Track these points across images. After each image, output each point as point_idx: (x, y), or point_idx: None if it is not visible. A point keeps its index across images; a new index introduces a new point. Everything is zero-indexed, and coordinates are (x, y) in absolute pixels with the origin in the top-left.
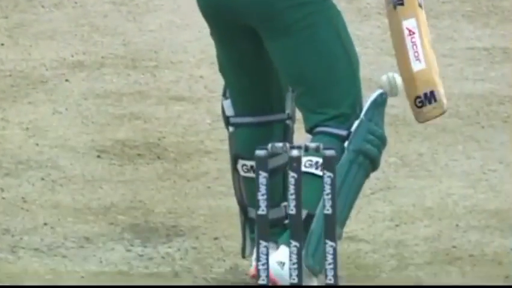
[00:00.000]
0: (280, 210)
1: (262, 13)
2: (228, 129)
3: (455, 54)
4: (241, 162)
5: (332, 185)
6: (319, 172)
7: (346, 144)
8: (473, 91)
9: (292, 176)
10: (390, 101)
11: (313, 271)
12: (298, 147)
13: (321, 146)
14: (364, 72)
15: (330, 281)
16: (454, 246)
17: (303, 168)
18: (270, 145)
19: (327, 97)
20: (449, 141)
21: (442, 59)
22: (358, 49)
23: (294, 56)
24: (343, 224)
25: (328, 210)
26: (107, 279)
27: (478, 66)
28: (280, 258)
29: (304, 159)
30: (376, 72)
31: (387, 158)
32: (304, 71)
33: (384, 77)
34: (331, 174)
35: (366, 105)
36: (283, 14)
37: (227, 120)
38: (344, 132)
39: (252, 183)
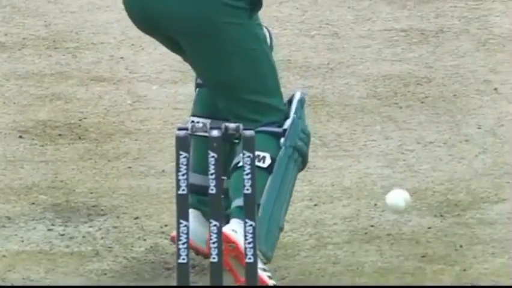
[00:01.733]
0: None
1: (192, 28)
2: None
3: (373, 35)
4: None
5: (252, 165)
6: (262, 164)
7: (282, 140)
8: (391, 72)
9: (212, 156)
10: (309, 82)
11: (266, 256)
12: (218, 128)
13: (241, 127)
14: (283, 52)
15: (250, 259)
16: (372, 226)
17: None
18: (190, 125)
19: (258, 107)
20: (367, 122)
21: (360, 40)
22: (277, 30)
23: (225, 71)
24: (284, 216)
25: (248, 190)
26: (29, 257)
27: (396, 48)
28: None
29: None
30: (295, 53)
31: None
32: (235, 84)
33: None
34: (250, 155)
35: (294, 104)
36: (218, 29)
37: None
38: (279, 130)
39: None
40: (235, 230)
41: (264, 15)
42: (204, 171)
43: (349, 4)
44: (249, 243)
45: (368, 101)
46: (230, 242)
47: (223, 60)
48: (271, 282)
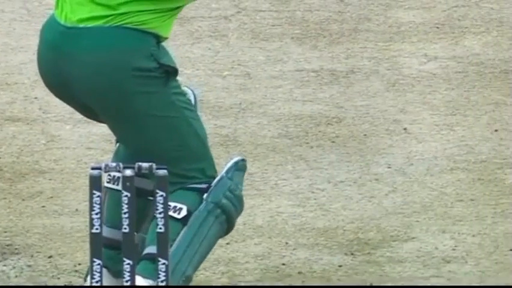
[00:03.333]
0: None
1: (106, 97)
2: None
3: (285, 76)
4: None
5: (164, 204)
6: (177, 215)
7: (205, 196)
8: (302, 112)
9: (125, 195)
10: (221, 121)
11: None
12: (132, 168)
13: (154, 166)
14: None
15: None
16: (284, 264)
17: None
18: (103, 164)
19: (183, 172)
20: (279, 161)
21: (272, 81)
22: (189, 71)
23: (143, 139)
24: (195, 269)
25: (161, 229)
26: None
27: (307, 88)
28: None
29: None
30: (207, 94)
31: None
32: (155, 151)
33: None
34: (163, 194)
35: (228, 164)
36: (132, 98)
37: None
38: (203, 186)
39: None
40: (139, 285)
41: (177, 55)
42: (115, 225)
43: (260, 45)
44: (162, 281)
45: (279, 140)
46: None
47: (139, 130)
48: None
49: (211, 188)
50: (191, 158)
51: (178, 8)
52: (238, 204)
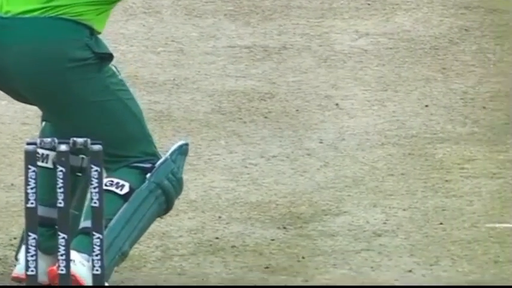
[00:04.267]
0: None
1: (43, 86)
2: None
3: (218, 52)
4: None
5: (99, 178)
6: (119, 191)
7: (148, 175)
8: (235, 88)
9: (60, 170)
10: (155, 97)
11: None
12: (66, 143)
13: (89, 141)
14: (130, 69)
15: (98, 271)
16: (217, 238)
17: (105, 187)
18: (39, 140)
19: (123, 152)
20: (212, 136)
21: (205, 57)
22: (123, 47)
23: (81, 124)
24: (132, 245)
25: (95, 203)
26: None
27: (240, 64)
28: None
29: (105, 180)
30: (141, 70)
31: None
32: (94, 135)
33: None
34: (98, 168)
35: (172, 147)
36: (68, 86)
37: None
38: (147, 165)
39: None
40: (73, 259)
41: (111, 32)
42: (45, 203)
43: (194, 22)
44: (97, 255)
45: (212, 116)
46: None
47: (76, 116)
48: None
49: (155, 168)
50: (130, 139)
51: (113, 2)
52: (178, 186)
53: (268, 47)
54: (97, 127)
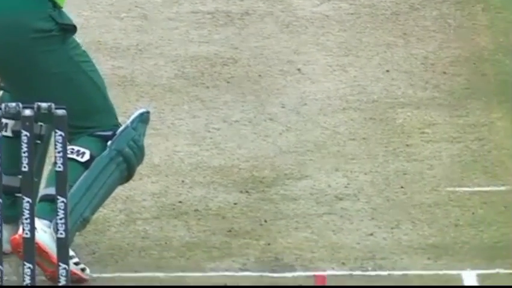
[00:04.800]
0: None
1: (7, 57)
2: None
3: (181, 17)
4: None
5: (63, 143)
6: (80, 159)
7: (109, 143)
8: (198, 53)
9: (25, 134)
10: (118, 62)
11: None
12: (31, 107)
13: (53, 106)
14: (94, 34)
15: (62, 235)
16: (180, 202)
17: (70, 156)
18: (3, 104)
19: (86, 123)
20: (175, 101)
21: (168, 22)
22: (87, 13)
23: (45, 96)
24: (93, 212)
25: (60, 168)
26: None
27: (203, 30)
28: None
29: (68, 148)
30: (104, 35)
31: None
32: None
33: None
34: (62, 133)
35: (133, 115)
36: (33, 58)
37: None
38: (108, 133)
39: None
40: (35, 227)
41: None
42: (6, 171)
43: None
44: (61, 219)
45: (175, 81)
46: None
47: (41, 87)
48: (85, 275)
49: (116, 136)
50: (92, 110)
51: None
52: (139, 154)
53: (231, 13)
54: (60, 98)
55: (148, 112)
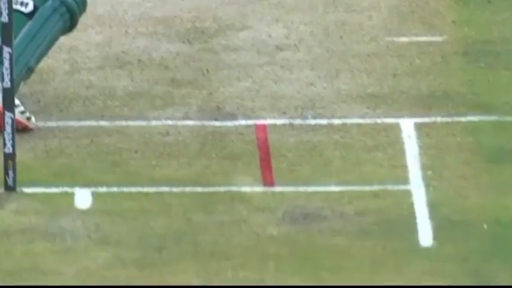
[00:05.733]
0: None
1: None
2: None
3: None
4: None
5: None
6: (24, 9)
7: None
8: None
9: None
10: None
11: None
12: None
13: None
14: None
15: (7, 84)
16: (124, 52)
17: (14, 6)
18: None
19: None
20: None
21: None
22: None
23: None
24: (37, 62)
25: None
26: None
27: None
28: None
29: None
30: None
31: None
32: None
33: None
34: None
35: None
36: None
37: None
38: None
39: None
40: None
41: None
42: None
43: None
44: (6, 68)
45: None
46: None
47: None
48: (31, 123)
49: None
50: None
51: None
52: (81, 4)
53: None
54: None
55: None
